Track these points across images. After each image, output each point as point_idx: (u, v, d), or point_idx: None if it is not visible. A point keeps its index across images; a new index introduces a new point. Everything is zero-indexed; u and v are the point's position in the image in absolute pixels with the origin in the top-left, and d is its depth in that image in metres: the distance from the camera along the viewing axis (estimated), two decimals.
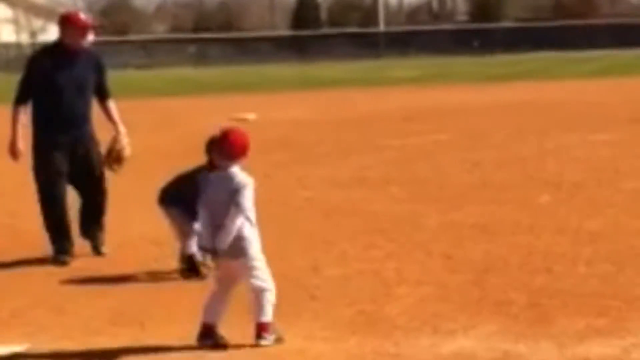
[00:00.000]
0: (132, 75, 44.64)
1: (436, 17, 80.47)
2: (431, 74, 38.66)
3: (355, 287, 6.55)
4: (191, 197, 6.96)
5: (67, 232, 7.64)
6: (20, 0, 59.76)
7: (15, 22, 59.49)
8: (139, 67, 56.08)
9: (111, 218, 7.86)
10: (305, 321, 5.73)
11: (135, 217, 9.26)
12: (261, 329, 5.31)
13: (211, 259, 5.31)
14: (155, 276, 7.06)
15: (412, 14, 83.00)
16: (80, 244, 7.80)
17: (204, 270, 5.37)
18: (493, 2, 74.71)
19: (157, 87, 36.85)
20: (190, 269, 6.89)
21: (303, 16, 74.38)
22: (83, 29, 7.51)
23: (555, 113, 19.69)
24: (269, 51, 64.55)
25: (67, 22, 7.53)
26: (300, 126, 18.78)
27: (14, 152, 7.49)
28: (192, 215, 6.98)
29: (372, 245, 7.83)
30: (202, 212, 5.43)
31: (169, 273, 7.06)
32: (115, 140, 7.68)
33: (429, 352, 5.21)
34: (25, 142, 7.57)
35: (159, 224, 7.75)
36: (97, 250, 7.69)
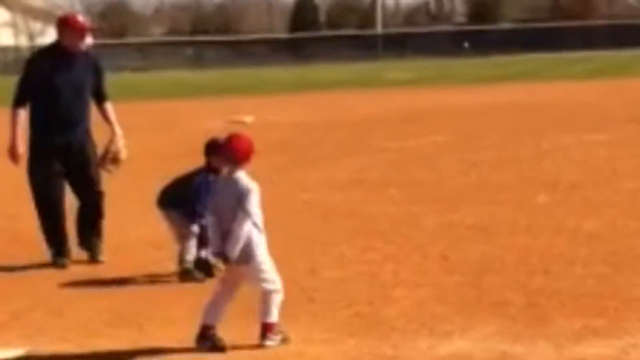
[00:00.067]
0: (129, 77, 44.63)
1: (434, 18, 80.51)
2: (429, 76, 38.68)
3: (353, 289, 6.56)
4: (190, 199, 7.01)
5: (64, 234, 7.63)
6: (18, 3, 59.73)
7: (13, 25, 59.46)
8: (136, 69, 56.08)
9: (109, 220, 7.87)
10: (303, 323, 5.74)
11: (133, 220, 9.27)
12: (266, 330, 5.34)
13: (222, 263, 5.32)
14: (153, 278, 7.07)
15: (410, 16, 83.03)
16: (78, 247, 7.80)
17: (216, 273, 5.32)
18: (491, 4, 74.76)
19: (155, 90, 36.85)
20: (203, 271, 6.87)
21: (301, 18, 74.40)
22: (81, 31, 7.52)
23: (552, 114, 19.71)
24: (266, 53, 64.55)
25: (65, 24, 7.53)
26: (298, 128, 18.79)
27: (14, 155, 7.48)
28: (191, 218, 7.01)
29: (369, 247, 7.84)
30: (210, 218, 5.44)
31: (167, 275, 7.06)
32: (111, 142, 7.68)
33: (426, 353, 5.22)
34: (24, 145, 7.57)
35: (156, 227, 7.76)
36: (95, 258, 7.62)
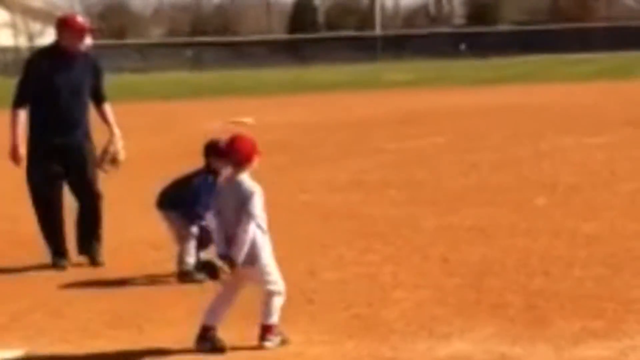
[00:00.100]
0: (128, 78, 44.63)
1: (433, 20, 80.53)
2: (428, 77, 38.69)
3: (352, 291, 6.57)
4: (189, 201, 7.01)
5: (63, 236, 7.62)
6: (17, 3, 59.71)
7: (12, 25, 59.44)
8: (135, 70, 56.08)
9: (108, 222, 7.87)
10: (302, 325, 5.75)
11: (132, 221, 9.28)
12: (265, 331, 5.35)
13: (228, 266, 5.32)
14: (152, 280, 7.08)
15: (409, 18, 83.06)
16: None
17: (222, 276, 5.27)
18: (489, 6, 74.81)
19: (154, 91, 36.84)
20: (209, 274, 6.83)
21: (300, 20, 74.43)
22: (80, 32, 7.51)
23: (551, 115, 19.73)
24: (265, 55, 64.57)
25: (64, 24, 7.53)
26: (297, 130, 18.79)
27: (15, 156, 7.47)
28: (190, 219, 7.02)
29: (369, 248, 7.84)
30: (214, 221, 5.45)
31: (167, 276, 7.07)
32: (110, 142, 7.67)
33: (425, 355, 5.22)
34: (25, 146, 7.56)
35: (156, 228, 7.77)
36: (95, 260, 7.57)
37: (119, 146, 7.66)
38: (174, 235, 7.14)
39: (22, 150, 7.42)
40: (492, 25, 70.36)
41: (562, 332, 5.47)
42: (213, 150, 7.04)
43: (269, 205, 5.48)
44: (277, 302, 5.38)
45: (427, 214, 9.28)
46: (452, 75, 39.88)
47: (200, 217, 7.02)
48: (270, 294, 5.37)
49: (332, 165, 13.30)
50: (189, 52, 65.64)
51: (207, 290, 6.29)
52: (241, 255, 5.26)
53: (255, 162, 5.43)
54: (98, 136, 7.88)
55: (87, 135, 7.62)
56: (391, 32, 69.52)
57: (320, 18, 78.50)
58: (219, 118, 20.77)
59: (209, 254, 6.82)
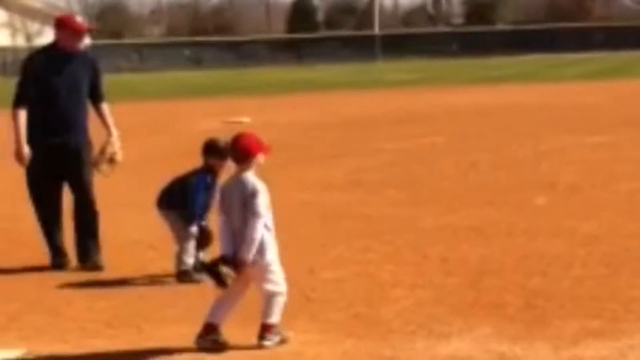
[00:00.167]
0: (126, 78, 44.61)
1: (431, 20, 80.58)
2: (427, 77, 38.70)
3: (351, 290, 6.56)
4: (187, 200, 7.00)
5: (62, 236, 7.60)
6: (16, 3, 59.68)
7: (10, 25, 59.40)
8: (133, 70, 56.08)
9: (107, 221, 7.86)
10: (301, 323, 5.74)
11: (131, 221, 9.27)
12: (265, 330, 5.35)
13: (233, 271, 5.30)
14: (151, 279, 7.07)
15: (408, 17, 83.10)
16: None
17: (228, 282, 5.23)
18: (488, 5, 74.86)
19: (152, 90, 36.84)
20: (214, 279, 6.81)
21: (299, 19, 74.45)
22: (79, 32, 7.50)
23: (550, 115, 19.74)
24: (264, 54, 64.62)
25: (62, 25, 7.51)
26: (296, 129, 18.79)
27: (20, 156, 7.43)
28: (189, 219, 7.00)
29: (367, 248, 7.84)
30: (219, 218, 5.44)
31: (165, 276, 7.06)
32: (107, 143, 7.63)
33: (424, 354, 5.22)
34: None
35: (154, 227, 7.76)
36: (95, 266, 7.47)
37: (117, 147, 7.61)
38: (174, 235, 7.13)
39: (26, 150, 7.39)
40: (490, 25, 70.40)
41: (561, 332, 5.47)
42: (211, 149, 7.04)
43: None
44: (279, 302, 5.37)
45: (426, 213, 9.27)
46: (451, 75, 39.89)
47: (200, 217, 7.01)
48: (272, 294, 5.36)
49: (331, 165, 13.30)
50: (186, 52, 65.65)
51: (206, 291, 6.30)
52: (250, 254, 5.25)
53: (259, 159, 5.41)
54: (96, 137, 7.86)
55: (85, 136, 7.59)
56: (390, 31, 69.54)
57: (319, 17, 78.51)
58: (217, 117, 20.77)
59: (208, 254, 6.83)
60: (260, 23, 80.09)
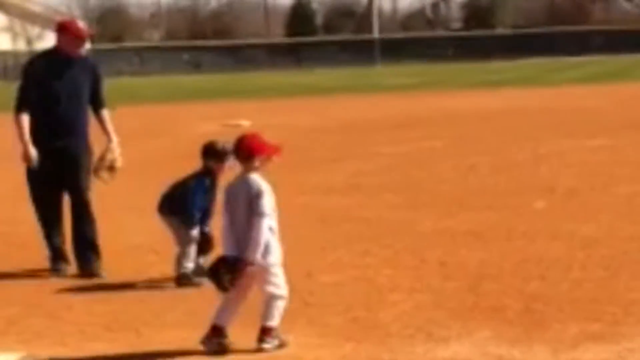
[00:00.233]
0: (126, 82, 44.63)
1: (430, 23, 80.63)
2: (426, 81, 38.73)
3: (350, 294, 6.56)
4: (186, 204, 7.00)
5: (62, 240, 7.59)
6: (16, 8, 59.71)
7: (11, 30, 59.43)
8: (133, 74, 56.11)
9: (106, 225, 7.85)
10: (299, 327, 5.74)
11: (130, 224, 9.27)
12: (264, 333, 5.35)
13: (234, 276, 5.30)
14: (150, 283, 7.06)
15: (407, 21, 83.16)
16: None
17: (228, 284, 5.22)
18: (487, 9, 74.93)
19: (152, 94, 36.86)
20: (215, 283, 6.80)
21: (298, 23, 74.51)
22: (80, 37, 7.49)
23: (549, 119, 19.75)
24: (263, 58, 64.66)
25: (64, 29, 7.50)
26: (294, 133, 18.79)
27: (28, 158, 7.40)
28: (190, 223, 7.00)
29: (366, 251, 7.84)
30: (223, 218, 5.45)
31: (165, 280, 7.06)
32: (107, 150, 7.61)
33: (423, 358, 5.22)
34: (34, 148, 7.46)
35: (154, 231, 7.77)
36: (93, 274, 7.40)
37: (117, 153, 7.59)
38: (177, 240, 7.12)
39: (33, 151, 7.37)
40: (490, 29, 70.46)
41: (560, 335, 5.47)
42: (210, 151, 7.05)
43: None
44: (279, 305, 5.38)
45: (425, 217, 9.28)
46: (450, 79, 39.91)
47: (201, 221, 7.00)
48: (272, 297, 5.36)
49: (329, 168, 13.30)
50: (185, 56, 65.70)
51: (206, 295, 6.30)
52: (257, 255, 5.25)
53: (262, 159, 5.41)
54: (97, 143, 7.83)
55: (85, 141, 7.57)
56: (389, 35, 69.60)
57: (318, 21, 78.56)
58: (216, 121, 20.78)
59: (208, 259, 6.82)
60: (259, 27, 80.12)
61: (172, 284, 6.98)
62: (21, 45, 58.37)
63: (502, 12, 75.21)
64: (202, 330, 5.51)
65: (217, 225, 6.27)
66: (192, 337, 5.56)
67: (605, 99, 25.19)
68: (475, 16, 74.85)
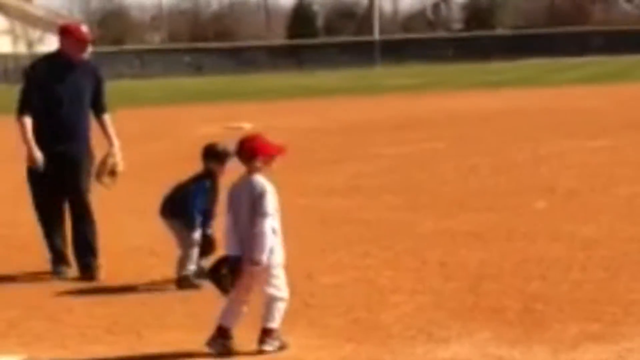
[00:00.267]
0: (127, 84, 44.66)
1: (431, 25, 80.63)
2: (426, 82, 38.73)
3: (351, 295, 6.57)
4: (186, 207, 7.01)
5: (64, 243, 7.60)
6: (17, 10, 59.74)
7: (12, 32, 59.44)
8: (134, 76, 56.14)
9: (107, 227, 7.86)
10: (300, 329, 5.75)
11: (131, 227, 9.28)
12: (265, 334, 5.36)
13: (233, 273, 5.32)
14: (151, 286, 7.07)
15: (407, 22, 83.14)
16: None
17: (228, 287, 5.22)
18: (488, 10, 74.93)
19: (153, 97, 36.87)
20: (215, 284, 6.81)
21: (299, 25, 74.51)
22: (84, 42, 7.48)
23: (549, 119, 19.75)
24: (264, 60, 64.66)
25: (67, 33, 7.50)
26: (295, 134, 18.79)
27: (33, 160, 7.38)
28: (191, 225, 7.00)
29: (367, 253, 7.85)
30: (227, 218, 5.46)
31: (166, 282, 7.07)
32: (109, 155, 7.61)
33: (424, 359, 5.23)
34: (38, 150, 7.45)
35: (155, 233, 7.77)
36: (92, 277, 7.39)
37: (118, 158, 7.58)
38: (178, 243, 7.12)
39: (38, 153, 7.36)
40: (490, 30, 70.46)
41: (560, 336, 5.47)
42: (211, 153, 7.06)
43: None
44: (279, 307, 5.38)
45: (425, 218, 9.28)
46: (451, 80, 39.92)
47: (202, 223, 7.00)
48: (273, 299, 5.37)
49: (330, 170, 13.31)
50: (187, 58, 65.70)
51: (206, 297, 6.31)
52: (263, 255, 5.26)
53: (264, 160, 5.43)
54: (99, 146, 7.82)
55: (87, 145, 7.55)
56: (389, 37, 69.61)
57: (319, 23, 78.56)
58: (217, 123, 20.79)
59: (210, 261, 6.82)
60: (260, 29, 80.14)
61: (172, 286, 6.98)
62: (22, 48, 58.37)
63: (502, 13, 75.20)
64: (203, 332, 5.52)
65: (219, 227, 6.28)
66: (192, 339, 5.57)
67: (606, 99, 25.19)
68: (475, 17, 74.84)
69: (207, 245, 7.05)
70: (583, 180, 11.31)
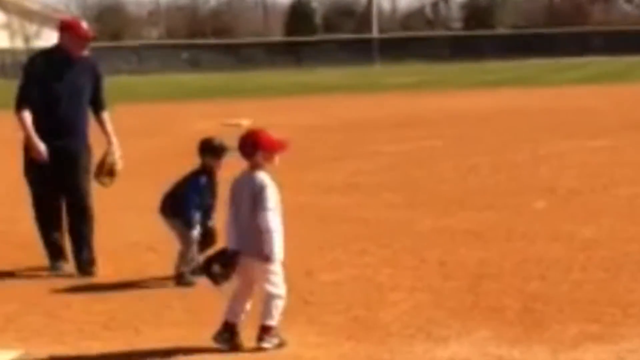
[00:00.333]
0: (125, 80, 44.61)
1: (430, 23, 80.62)
2: (425, 81, 38.72)
3: (349, 293, 6.55)
4: (184, 204, 6.98)
5: (61, 239, 7.57)
6: (14, 5, 59.63)
7: (9, 27, 59.34)
8: (132, 72, 56.06)
9: (105, 223, 7.84)
10: (299, 326, 5.73)
11: (128, 223, 9.26)
12: (263, 332, 5.35)
13: (227, 267, 5.31)
14: (149, 281, 7.05)
15: (406, 20, 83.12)
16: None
17: (224, 283, 5.21)
18: (487, 9, 74.91)
19: (150, 93, 36.82)
20: (210, 279, 6.78)
21: (297, 22, 74.45)
22: (84, 39, 7.44)
23: (549, 119, 19.74)
24: (263, 57, 64.59)
25: (67, 29, 7.45)
26: (294, 131, 18.73)
27: (37, 152, 7.35)
28: (189, 223, 6.97)
29: (365, 251, 7.83)
30: (228, 211, 5.45)
31: (163, 279, 7.04)
32: (107, 153, 7.57)
33: (423, 358, 5.21)
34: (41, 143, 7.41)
35: (153, 230, 7.75)
36: (87, 271, 7.35)
37: (117, 156, 7.53)
38: (179, 240, 7.10)
39: (42, 146, 7.31)
40: (489, 29, 70.46)
41: (560, 336, 5.46)
42: (207, 148, 7.03)
43: None
44: (277, 304, 5.37)
45: (424, 216, 9.26)
46: (450, 79, 39.92)
47: (202, 217, 6.98)
48: (271, 296, 5.36)
49: (329, 167, 13.29)
50: (184, 55, 65.64)
51: (204, 293, 6.28)
52: (275, 248, 5.26)
53: (265, 154, 5.43)
54: (97, 143, 7.79)
55: (85, 141, 7.51)
56: (388, 35, 69.57)
57: (318, 20, 78.51)
58: (215, 120, 20.75)
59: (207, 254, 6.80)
60: (259, 26, 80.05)
61: (170, 283, 6.96)
62: (19, 43, 58.26)
63: (502, 12, 75.17)
64: (201, 328, 5.50)
65: (221, 219, 6.25)
66: (190, 335, 5.55)
67: (605, 99, 25.19)
68: (474, 16, 74.81)
69: (208, 237, 7.04)
70: (583, 180, 11.29)
